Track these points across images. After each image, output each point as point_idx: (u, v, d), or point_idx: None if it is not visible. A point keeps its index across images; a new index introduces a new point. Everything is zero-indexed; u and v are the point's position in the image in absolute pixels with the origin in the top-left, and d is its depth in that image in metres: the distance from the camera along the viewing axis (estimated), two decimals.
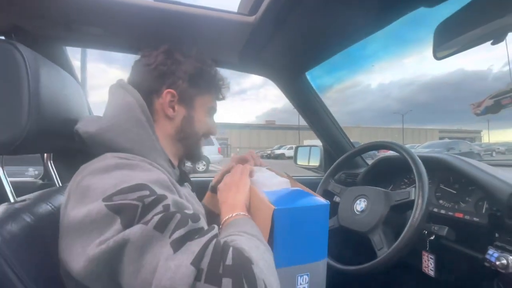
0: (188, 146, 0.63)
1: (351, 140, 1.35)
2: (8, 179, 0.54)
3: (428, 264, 0.81)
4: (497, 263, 0.65)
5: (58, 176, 0.99)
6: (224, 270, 0.34)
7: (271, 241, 0.49)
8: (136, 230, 0.34)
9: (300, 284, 0.52)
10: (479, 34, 0.50)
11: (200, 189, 0.77)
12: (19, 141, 0.46)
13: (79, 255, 0.37)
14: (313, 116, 1.27)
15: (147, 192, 0.38)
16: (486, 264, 0.68)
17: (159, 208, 0.37)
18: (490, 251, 0.68)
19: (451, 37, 0.56)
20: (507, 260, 0.64)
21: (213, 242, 0.36)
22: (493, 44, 0.48)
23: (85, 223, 0.37)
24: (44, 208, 0.52)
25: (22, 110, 0.46)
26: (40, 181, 1.05)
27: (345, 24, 0.76)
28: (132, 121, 0.52)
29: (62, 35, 0.81)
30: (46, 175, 1.03)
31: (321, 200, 0.55)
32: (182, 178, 0.65)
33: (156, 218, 0.35)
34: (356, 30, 0.79)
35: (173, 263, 0.32)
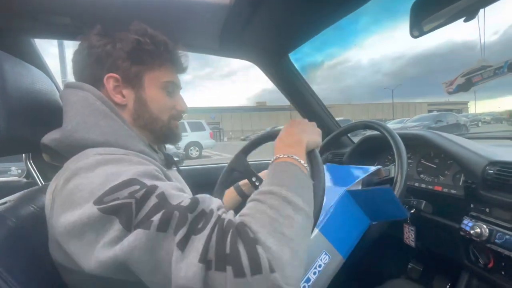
0: (156, 131, 0.57)
1: (344, 118, 1.35)
2: None
3: (409, 236, 0.86)
4: (472, 231, 0.69)
5: (42, 173, 0.98)
6: (227, 257, 0.33)
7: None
8: (140, 236, 0.34)
9: (320, 260, 0.57)
10: (453, 11, 0.50)
11: (190, 177, 0.76)
12: None
13: (84, 257, 0.36)
14: (298, 98, 1.27)
15: (137, 187, 0.37)
16: (462, 233, 0.72)
17: (153, 199, 0.36)
18: (465, 221, 0.72)
19: (427, 14, 0.55)
20: (480, 228, 0.68)
21: (215, 230, 0.34)
22: (465, 21, 0.48)
23: (77, 228, 0.36)
24: (27, 209, 0.52)
25: None
26: (25, 180, 1.03)
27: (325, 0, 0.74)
28: (96, 114, 0.48)
29: (28, 27, 0.77)
30: (30, 174, 1.02)
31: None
32: (168, 162, 0.62)
33: (156, 219, 0.34)
34: (337, 7, 0.77)
35: (183, 264, 0.32)
